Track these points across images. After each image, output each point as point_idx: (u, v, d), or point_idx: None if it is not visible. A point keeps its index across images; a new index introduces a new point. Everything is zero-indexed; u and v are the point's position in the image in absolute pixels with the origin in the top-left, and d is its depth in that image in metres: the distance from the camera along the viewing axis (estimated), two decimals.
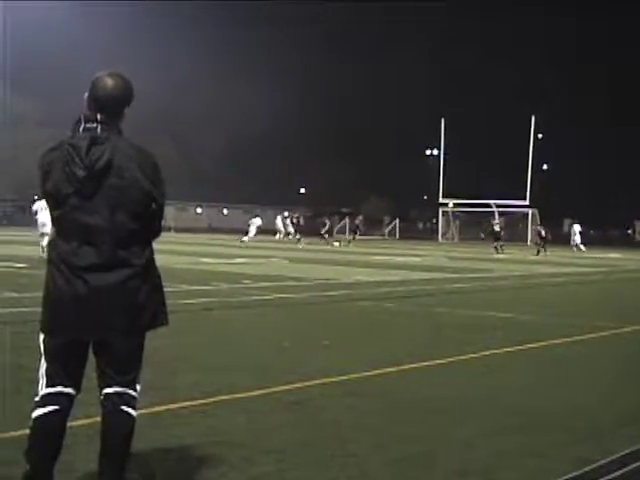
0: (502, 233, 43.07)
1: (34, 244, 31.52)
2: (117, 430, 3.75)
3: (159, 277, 3.91)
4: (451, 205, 66.81)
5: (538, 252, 39.25)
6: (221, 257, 26.21)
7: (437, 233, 67.14)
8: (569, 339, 10.25)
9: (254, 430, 5.35)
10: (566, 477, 4.55)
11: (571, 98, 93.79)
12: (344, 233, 68.95)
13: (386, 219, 78.61)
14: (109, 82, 3.77)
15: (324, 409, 6.00)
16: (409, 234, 71.54)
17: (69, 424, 3.86)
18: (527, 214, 61.37)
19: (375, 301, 14.33)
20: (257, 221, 45.12)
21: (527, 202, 61.14)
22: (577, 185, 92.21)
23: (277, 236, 52.28)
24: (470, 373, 7.79)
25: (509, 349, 9.25)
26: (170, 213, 45.17)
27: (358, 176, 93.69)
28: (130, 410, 3.78)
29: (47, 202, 3.77)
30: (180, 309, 10.95)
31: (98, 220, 3.65)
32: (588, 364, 8.67)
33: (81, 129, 3.72)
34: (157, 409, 5.70)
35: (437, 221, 69.24)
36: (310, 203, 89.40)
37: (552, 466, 4.76)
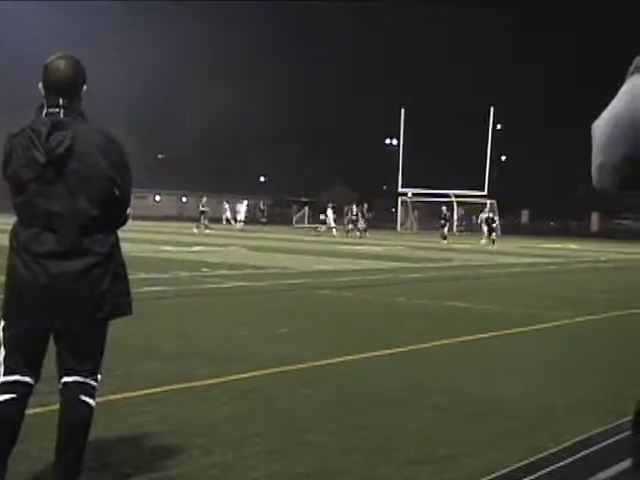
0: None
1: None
2: (75, 420, 3.73)
3: (123, 265, 3.87)
4: (410, 195, 67.08)
5: (493, 242, 39.41)
6: (179, 245, 26.11)
7: (396, 223, 67.40)
8: (524, 328, 10.36)
9: (210, 418, 5.34)
10: (519, 465, 4.61)
11: (531, 89, 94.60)
12: (303, 222, 69.00)
13: (346, 208, 78.71)
14: (61, 65, 3.70)
15: (280, 398, 6.01)
16: (369, 224, 71.61)
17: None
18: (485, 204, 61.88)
19: (334, 290, 14.36)
20: (243, 207, 46.35)
21: (485, 192, 61.60)
22: (535, 176, 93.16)
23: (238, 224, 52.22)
24: (426, 362, 7.85)
25: (465, 338, 9.33)
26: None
27: (320, 165, 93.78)
28: (89, 400, 3.76)
29: (9, 188, 3.70)
30: (137, 297, 10.69)
31: (59, 206, 3.60)
32: (541, 353, 8.78)
33: (43, 114, 3.67)
34: (112, 397, 5.67)
35: (396, 210, 69.48)
36: (271, 192, 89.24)
37: (506, 454, 4.82)
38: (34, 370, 3.76)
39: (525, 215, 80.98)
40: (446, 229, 42.51)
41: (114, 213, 3.78)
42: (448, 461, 4.67)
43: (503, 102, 70.31)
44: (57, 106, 3.66)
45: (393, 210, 70.11)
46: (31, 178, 3.60)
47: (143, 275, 14.14)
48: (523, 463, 4.64)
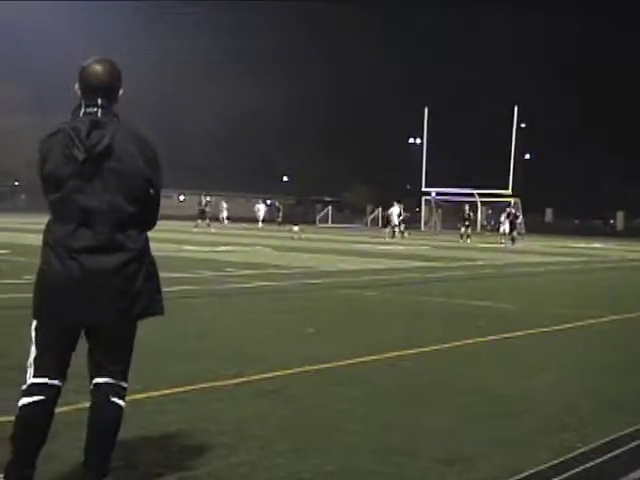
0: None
1: (15, 230, 31.33)
2: (105, 421, 3.74)
3: (154, 264, 3.88)
4: (434, 194, 66.89)
5: (513, 240, 38.29)
6: (204, 245, 26.19)
7: (420, 222, 67.21)
8: (549, 328, 10.29)
9: (235, 418, 5.33)
10: (548, 465, 4.57)
11: (554, 87, 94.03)
12: (327, 222, 68.97)
13: (369, 208, 78.62)
14: (99, 69, 3.75)
15: (305, 397, 5.99)
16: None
17: None
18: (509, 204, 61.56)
19: (358, 289, 14.33)
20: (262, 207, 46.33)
21: (509, 191, 61.29)
22: (560, 175, 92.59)
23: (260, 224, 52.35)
24: (452, 362, 7.80)
25: (490, 338, 9.27)
26: None
27: (342, 164, 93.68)
28: (119, 401, 3.77)
29: (44, 185, 3.74)
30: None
31: (96, 202, 3.64)
32: (567, 353, 8.71)
33: (81, 113, 3.72)
34: (138, 397, 5.67)
35: (420, 210, 69.28)
36: (293, 191, 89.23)
37: (534, 454, 4.77)
38: (62, 372, 3.78)
39: (549, 214, 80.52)
40: (469, 229, 41.03)
41: (148, 212, 3.82)
42: (476, 460, 4.63)
43: (527, 100, 69.94)
44: (95, 106, 3.71)
45: (417, 210, 69.88)
46: (69, 175, 3.64)
47: (166, 274, 14.12)
48: (552, 463, 4.59)
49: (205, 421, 5.23)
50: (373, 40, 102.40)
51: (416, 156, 70.32)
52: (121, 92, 3.84)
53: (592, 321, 11.18)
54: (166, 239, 24.48)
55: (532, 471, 4.45)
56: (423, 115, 66.27)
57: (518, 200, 60.11)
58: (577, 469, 4.52)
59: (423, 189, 66.08)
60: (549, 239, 45.53)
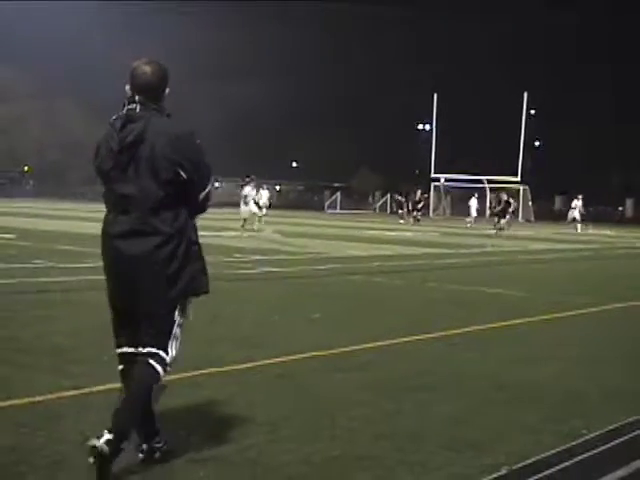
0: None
1: (25, 215, 31.44)
2: (140, 378, 4.01)
3: (198, 245, 4.14)
4: (442, 180, 66.75)
5: (500, 229, 34.87)
6: (211, 230, 26.19)
7: (428, 208, 67.07)
8: (558, 315, 10.29)
9: (242, 402, 5.36)
10: (554, 451, 4.58)
11: (565, 75, 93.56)
12: (335, 208, 68.86)
13: (377, 194, 78.51)
14: (145, 69, 4.08)
15: (312, 383, 6.02)
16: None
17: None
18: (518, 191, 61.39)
19: (366, 275, 14.34)
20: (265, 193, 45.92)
21: (518, 178, 61.08)
22: (569, 162, 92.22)
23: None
24: (459, 348, 7.81)
25: (497, 324, 9.28)
26: None
27: (350, 150, 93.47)
28: (157, 365, 4.01)
29: (99, 180, 4.12)
30: None
31: (131, 189, 3.96)
32: (576, 340, 8.70)
33: (124, 110, 4.06)
34: None
35: (428, 196, 69.14)
36: (303, 177, 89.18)
37: (540, 440, 4.79)
38: (133, 341, 4.07)
39: (559, 201, 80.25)
40: (506, 219, 35.92)
41: (186, 196, 4.04)
42: (482, 447, 4.65)
43: (536, 86, 69.61)
44: (134, 102, 4.04)
45: (426, 196, 69.74)
46: (110, 167, 4.01)
47: None
48: (558, 449, 4.61)
49: (214, 405, 5.26)
50: (382, 25, 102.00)
51: (425, 142, 70.16)
52: (167, 91, 4.15)
53: (603, 307, 11.18)
54: None
55: (538, 457, 4.46)
56: (432, 101, 66.05)
57: (527, 187, 59.94)
58: (583, 455, 4.53)
59: (432, 175, 65.91)
60: (559, 226, 45.39)
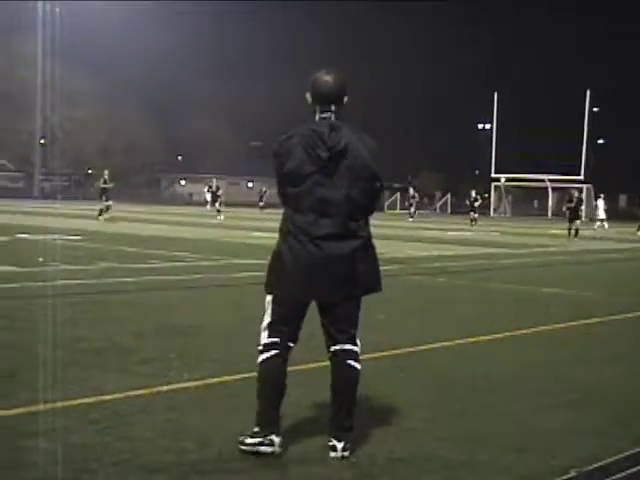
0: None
1: (89, 217, 31.97)
2: (346, 382, 4.35)
3: (374, 249, 4.44)
4: (503, 180, 66.10)
5: (571, 233, 29.89)
6: (271, 231, 26.24)
7: (489, 208, 66.49)
8: (624, 315, 10.10)
9: (311, 403, 5.35)
10: (625, 454, 4.48)
11: (628, 72, 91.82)
12: (395, 208, 68.74)
13: (438, 194, 78.11)
14: (329, 79, 4.31)
15: (376, 383, 5.98)
16: (461, 209, 70.96)
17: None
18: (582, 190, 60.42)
19: (428, 276, 14.26)
20: None
21: (582, 177, 60.18)
22: (633, 160, 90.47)
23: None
24: (525, 349, 7.72)
25: (562, 325, 9.14)
26: (222, 187, 45.11)
27: (410, 150, 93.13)
28: (354, 363, 4.35)
29: (283, 181, 4.27)
30: (232, 283, 11.02)
31: (337, 195, 4.20)
32: None
33: (317, 118, 4.30)
34: (210, 381, 5.77)
35: (489, 196, 68.52)
36: None
37: (611, 443, 4.70)
38: (294, 336, 4.43)
39: (623, 200, 78.84)
40: (578, 221, 30.18)
41: (373, 203, 4.39)
42: (549, 449, 4.57)
43: (600, 84, 68.49)
44: (329, 111, 4.29)
45: (486, 195, 69.16)
46: (312, 171, 4.19)
47: (237, 261, 14.28)
48: (629, 453, 4.51)
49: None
50: (442, 24, 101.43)
51: (485, 142, 69.54)
52: (346, 99, 4.36)
53: None
54: (236, 226, 24.66)
55: (609, 460, 4.37)
56: (493, 100, 65.48)
57: (590, 186, 58.99)
58: None
59: (492, 175, 65.34)
60: (623, 225, 44.58)
